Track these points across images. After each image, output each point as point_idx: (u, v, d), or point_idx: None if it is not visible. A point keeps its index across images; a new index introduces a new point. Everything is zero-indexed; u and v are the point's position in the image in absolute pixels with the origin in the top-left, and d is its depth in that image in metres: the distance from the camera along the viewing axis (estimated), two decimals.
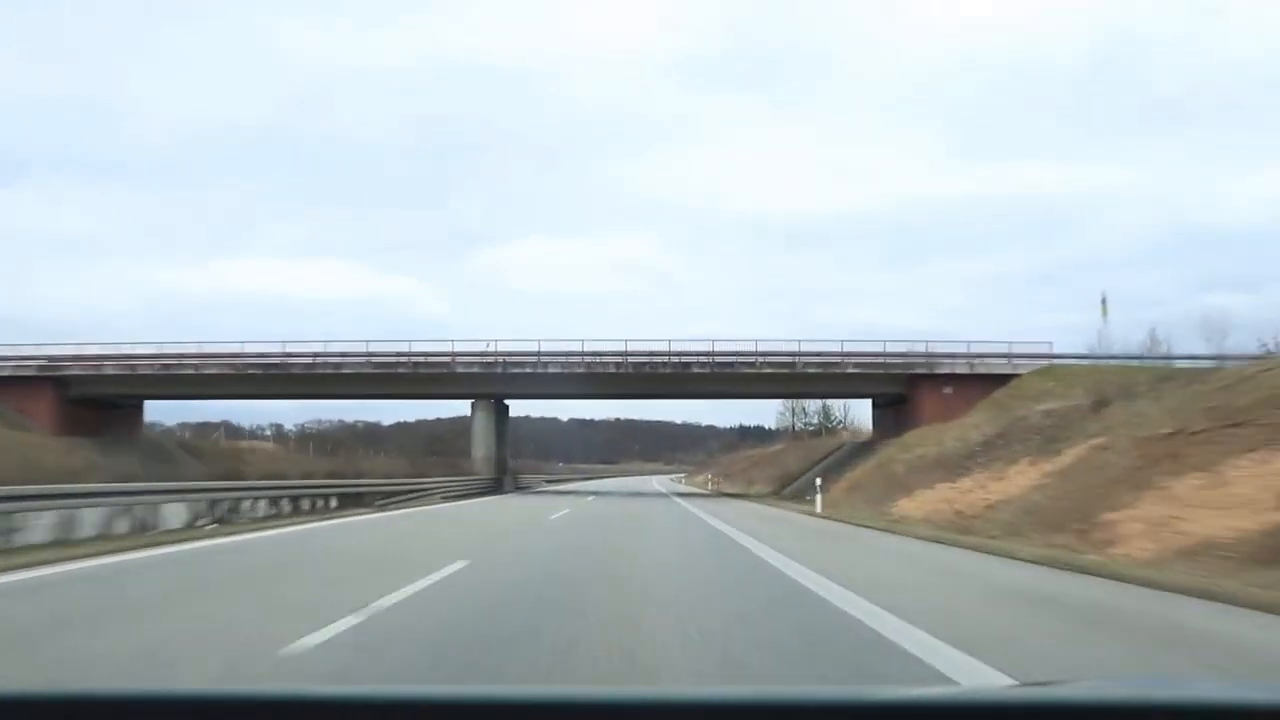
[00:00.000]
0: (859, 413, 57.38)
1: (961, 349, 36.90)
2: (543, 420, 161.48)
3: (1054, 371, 32.16)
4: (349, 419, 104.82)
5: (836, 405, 65.59)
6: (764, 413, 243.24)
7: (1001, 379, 33.86)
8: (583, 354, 38.94)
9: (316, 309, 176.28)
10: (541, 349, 38.88)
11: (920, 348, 37.66)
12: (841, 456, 40.95)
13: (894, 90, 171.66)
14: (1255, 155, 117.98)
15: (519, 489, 44.61)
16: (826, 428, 66.95)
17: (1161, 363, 25.86)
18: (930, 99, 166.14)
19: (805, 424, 76.85)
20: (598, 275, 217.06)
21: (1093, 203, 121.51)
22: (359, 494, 24.67)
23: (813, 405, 73.32)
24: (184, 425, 64.00)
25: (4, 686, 1.43)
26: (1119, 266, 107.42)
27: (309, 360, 39.42)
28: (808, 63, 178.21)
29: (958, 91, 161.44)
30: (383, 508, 23.60)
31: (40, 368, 39.72)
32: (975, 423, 26.50)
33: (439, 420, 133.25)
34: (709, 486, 59.01)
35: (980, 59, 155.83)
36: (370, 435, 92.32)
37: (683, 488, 61.55)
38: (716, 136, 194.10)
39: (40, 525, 11.78)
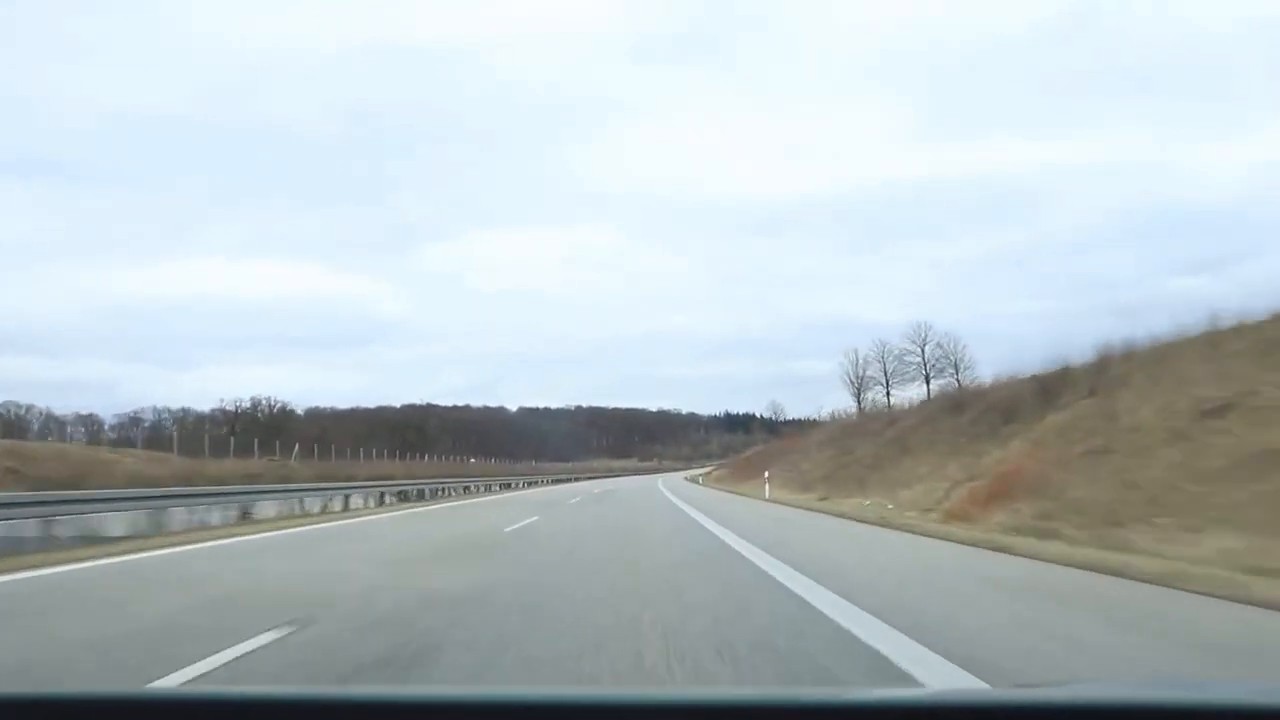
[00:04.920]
0: None
1: None
2: (484, 410, 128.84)
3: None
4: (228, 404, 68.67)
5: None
6: (752, 400, 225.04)
7: None
8: None
9: (267, 310, 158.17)
10: None
11: None
12: None
13: (857, 67, 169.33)
14: (1223, 129, 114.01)
15: None
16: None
17: None
18: (894, 75, 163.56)
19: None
20: (560, 268, 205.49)
21: (1059, 182, 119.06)
22: None
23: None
24: None
25: (3, 686, 1.31)
26: (1087, 249, 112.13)
27: None
28: (766, 39, 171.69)
29: (922, 67, 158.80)
30: None
31: None
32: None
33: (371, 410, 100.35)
34: None
35: (943, 32, 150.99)
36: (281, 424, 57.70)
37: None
38: (675, 119, 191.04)
39: None
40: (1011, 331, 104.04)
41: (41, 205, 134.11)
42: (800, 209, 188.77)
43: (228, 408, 57.84)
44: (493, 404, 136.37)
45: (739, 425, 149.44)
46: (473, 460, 60.90)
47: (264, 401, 59.79)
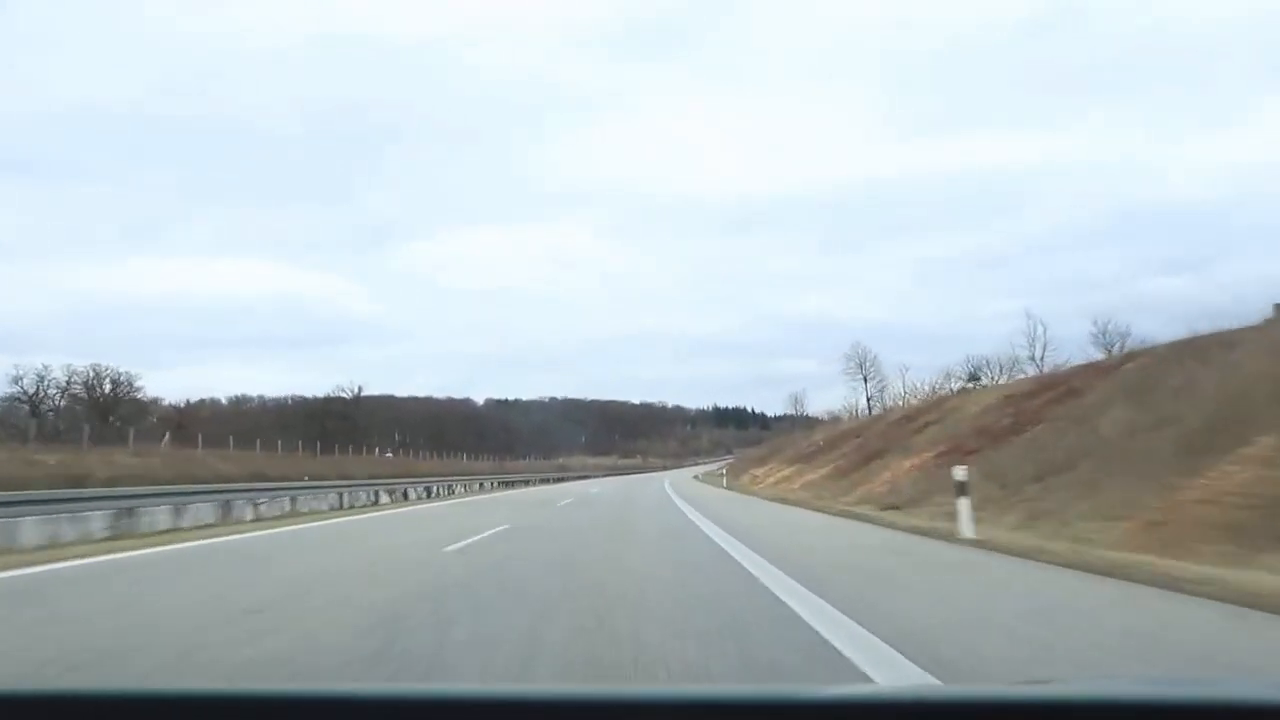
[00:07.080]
0: None
1: None
2: (449, 402, 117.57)
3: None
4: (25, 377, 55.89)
5: None
6: (744, 393, 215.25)
7: None
8: None
9: (239, 309, 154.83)
10: None
11: None
12: None
13: (833, 61, 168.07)
14: (1208, 133, 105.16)
15: None
16: None
17: None
18: (880, 74, 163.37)
19: None
20: (542, 266, 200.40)
21: (1041, 182, 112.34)
22: None
23: None
24: None
25: (3, 686, 1.42)
26: (1063, 249, 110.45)
27: None
28: (752, 38, 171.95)
29: (908, 65, 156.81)
30: None
31: None
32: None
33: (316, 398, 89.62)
34: None
35: (929, 31, 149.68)
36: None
37: None
38: (657, 117, 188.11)
39: None
40: (990, 331, 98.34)
41: (8, 203, 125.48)
42: (784, 206, 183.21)
43: (27, 387, 44.53)
44: (458, 395, 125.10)
45: (730, 419, 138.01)
46: (389, 455, 50.17)
47: (90, 375, 46.61)
